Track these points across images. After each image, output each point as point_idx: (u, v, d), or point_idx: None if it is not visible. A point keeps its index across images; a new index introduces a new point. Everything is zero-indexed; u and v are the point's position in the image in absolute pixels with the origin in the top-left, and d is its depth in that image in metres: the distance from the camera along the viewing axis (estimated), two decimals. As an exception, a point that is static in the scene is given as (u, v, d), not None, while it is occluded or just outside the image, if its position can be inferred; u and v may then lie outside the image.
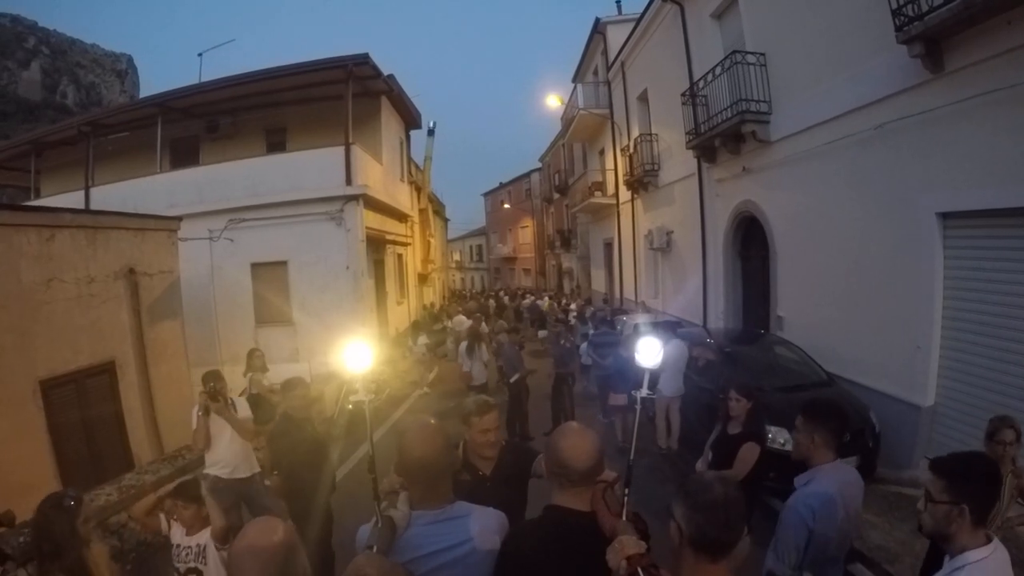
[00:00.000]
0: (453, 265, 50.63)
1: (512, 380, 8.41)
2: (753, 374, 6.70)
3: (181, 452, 5.98)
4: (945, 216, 5.65)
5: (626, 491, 1.87)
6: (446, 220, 38.56)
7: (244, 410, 5.07)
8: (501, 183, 47.48)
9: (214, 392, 4.62)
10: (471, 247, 56.07)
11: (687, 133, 10.49)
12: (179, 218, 9.17)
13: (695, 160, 11.08)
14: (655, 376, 2.18)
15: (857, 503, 2.68)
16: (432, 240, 24.86)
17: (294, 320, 12.37)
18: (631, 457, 2.02)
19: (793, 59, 7.79)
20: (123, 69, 49.26)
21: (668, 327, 8.25)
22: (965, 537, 1.85)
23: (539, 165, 38.43)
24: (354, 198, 12.16)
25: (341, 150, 12.10)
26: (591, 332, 12.27)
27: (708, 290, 11.22)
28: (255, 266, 12.40)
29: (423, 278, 22.82)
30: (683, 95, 10.43)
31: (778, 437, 5.38)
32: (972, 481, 1.87)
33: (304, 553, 1.61)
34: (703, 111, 9.88)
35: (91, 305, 7.18)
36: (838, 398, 3.65)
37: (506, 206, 44.75)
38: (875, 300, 6.56)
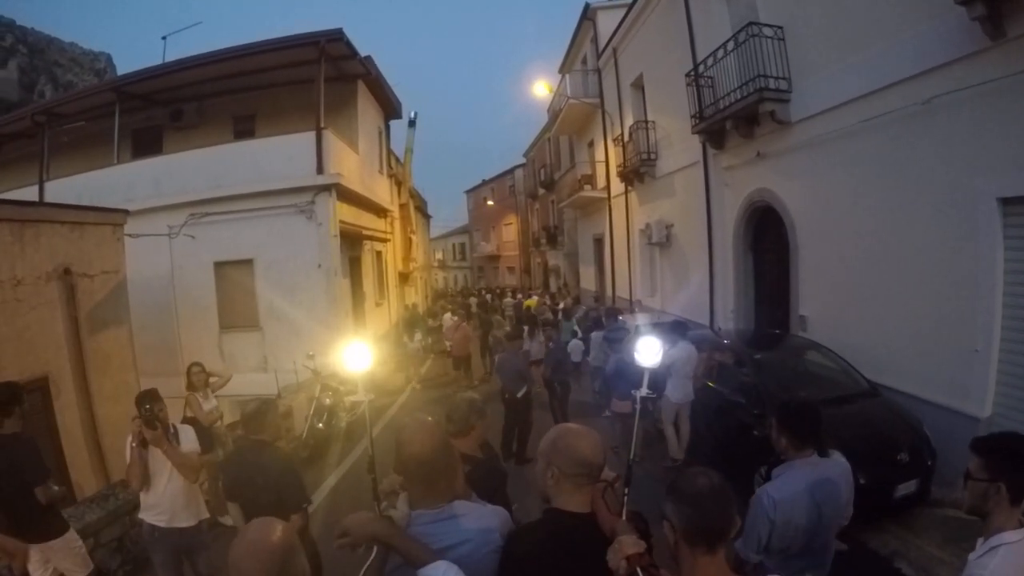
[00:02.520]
0: (436, 264, 49.75)
1: (520, 395, 7.32)
2: (784, 384, 5.91)
3: (115, 489, 4.98)
4: (1006, 201, 4.95)
5: (626, 491, 1.87)
6: (428, 217, 37.64)
7: (189, 441, 4.16)
8: (484, 180, 46.74)
9: (150, 418, 3.73)
10: (454, 245, 55.47)
11: (692, 117, 9.71)
12: (125, 211, 8.14)
13: (700, 146, 10.35)
14: (660, 377, 2.01)
15: (838, 499, 2.64)
16: (414, 237, 23.85)
17: (261, 324, 11.38)
18: (631, 456, 2.06)
19: (818, 30, 7.02)
20: (102, 68, 48.14)
21: (676, 329, 7.34)
22: (1002, 516, 1.87)
23: (523, 161, 37.74)
24: (326, 188, 11.12)
25: (311, 136, 11.09)
26: (577, 329, 12.30)
27: (715, 287, 10.44)
28: (219, 265, 11.38)
29: (404, 277, 21.72)
30: (688, 75, 9.63)
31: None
32: (1010, 460, 1.88)
33: (304, 554, 1.52)
34: (709, 93, 9.12)
35: (19, 311, 6.35)
36: (813, 401, 3.14)
37: (489, 203, 44.01)
38: (921, 297, 5.82)
